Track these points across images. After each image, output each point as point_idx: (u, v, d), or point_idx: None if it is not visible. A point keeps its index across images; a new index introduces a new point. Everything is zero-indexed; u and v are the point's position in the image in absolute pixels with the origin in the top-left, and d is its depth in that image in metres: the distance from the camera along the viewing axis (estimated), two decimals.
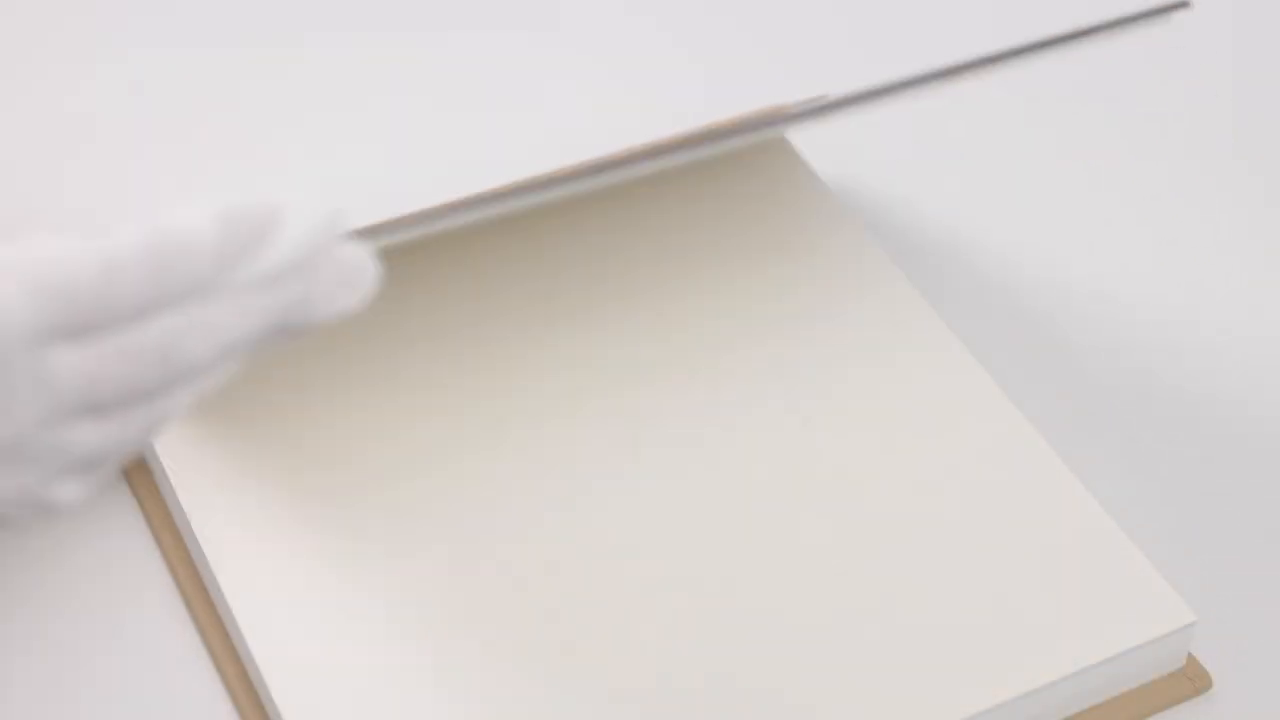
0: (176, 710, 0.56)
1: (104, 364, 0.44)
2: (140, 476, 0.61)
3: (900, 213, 0.71)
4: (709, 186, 0.67)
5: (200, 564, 0.58)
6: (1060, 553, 0.57)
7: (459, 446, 0.60)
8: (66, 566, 0.59)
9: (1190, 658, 0.58)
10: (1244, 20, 0.79)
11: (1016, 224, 0.71)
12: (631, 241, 0.66)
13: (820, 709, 0.54)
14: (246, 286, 0.45)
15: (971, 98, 0.75)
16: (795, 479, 0.59)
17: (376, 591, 0.56)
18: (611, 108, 0.70)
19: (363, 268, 0.47)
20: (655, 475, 0.59)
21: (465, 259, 0.65)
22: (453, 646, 0.55)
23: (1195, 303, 0.68)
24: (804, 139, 0.71)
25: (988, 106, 0.75)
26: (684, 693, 0.54)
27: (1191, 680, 0.57)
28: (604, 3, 0.75)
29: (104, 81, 0.69)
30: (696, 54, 0.74)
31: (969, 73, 0.54)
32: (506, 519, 0.58)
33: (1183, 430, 0.64)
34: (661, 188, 0.67)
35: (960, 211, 0.71)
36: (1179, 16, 0.78)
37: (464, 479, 0.59)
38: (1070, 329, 0.67)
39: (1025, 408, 0.63)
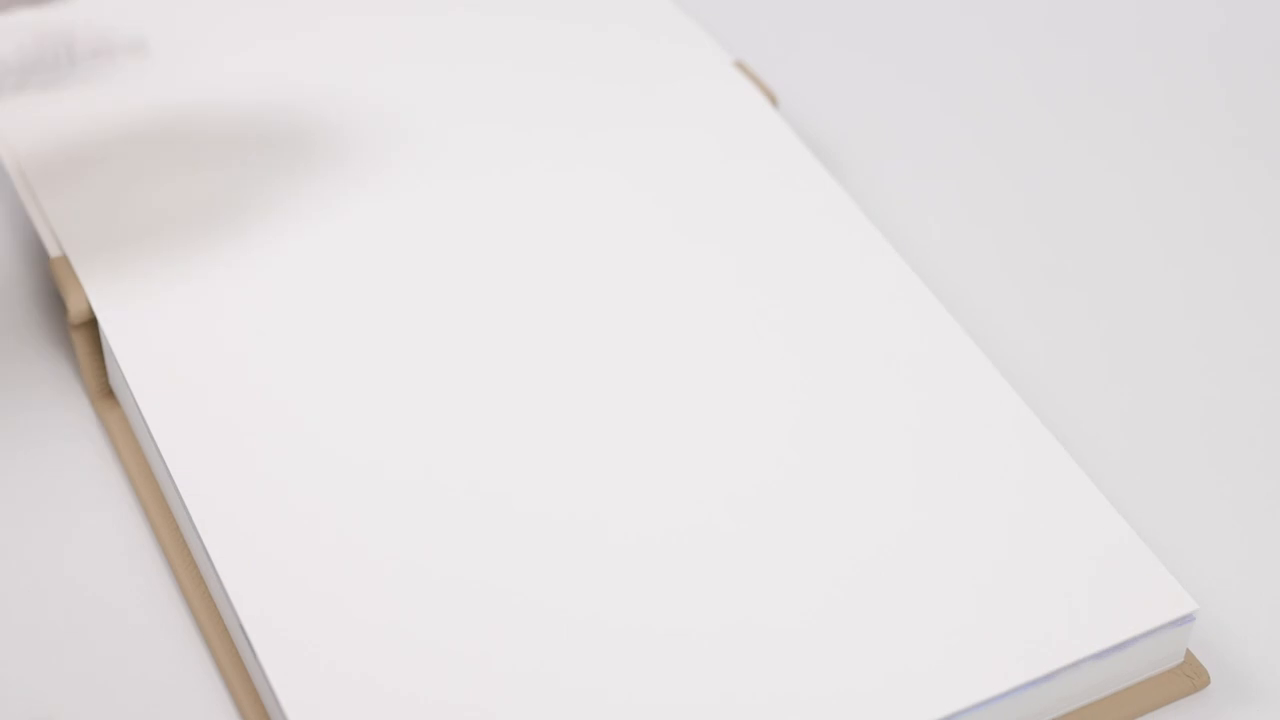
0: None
1: None
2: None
3: (894, 195, 0.71)
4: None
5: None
6: (1061, 545, 0.58)
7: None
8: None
9: (1189, 654, 0.58)
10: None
11: (1015, 211, 0.71)
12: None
13: (815, 701, 0.54)
14: None
15: (974, 86, 0.76)
16: (790, 469, 0.59)
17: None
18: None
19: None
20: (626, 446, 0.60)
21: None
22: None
23: (1198, 292, 0.69)
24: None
25: (990, 90, 0.75)
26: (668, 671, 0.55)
27: (1190, 677, 0.57)
28: None
29: None
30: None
31: None
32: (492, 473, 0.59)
33: (1183, 426, 0.65)
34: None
35: (960, 196, 0.72)
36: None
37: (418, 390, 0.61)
38: (1073, 319, 0.68)
39: (1026, 402, 0.63)
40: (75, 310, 0.62)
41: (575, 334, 0.63)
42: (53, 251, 0.64)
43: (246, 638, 0.55)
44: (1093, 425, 0.64)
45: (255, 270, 0.64)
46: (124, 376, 0.61)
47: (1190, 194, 0.73)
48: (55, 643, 0.58)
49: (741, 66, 0.73)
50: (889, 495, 0.59)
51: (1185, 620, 0.56)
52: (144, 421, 0.60)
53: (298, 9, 0.74)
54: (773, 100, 0.72)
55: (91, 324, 0.63)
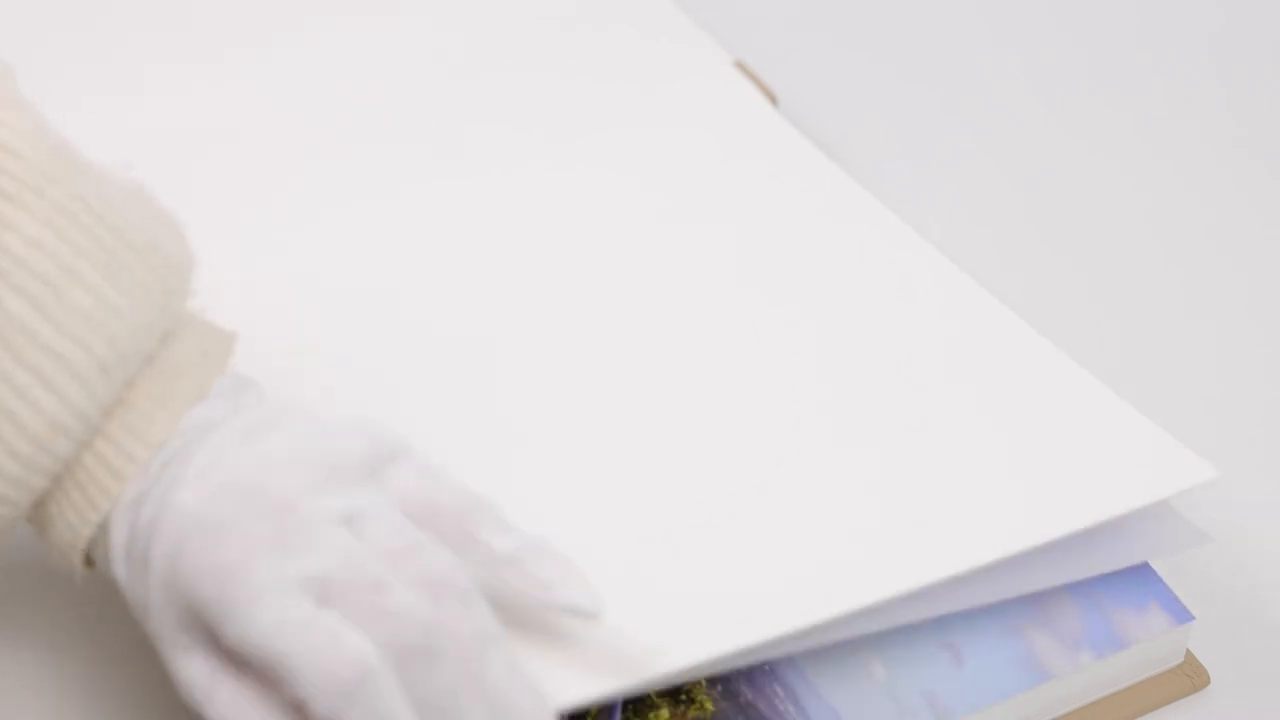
0: None
1: None
2: None
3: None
4: None
5: None
6: (1054, 421, 0.58)
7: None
8: None
9: (1188, 654, 0.58)
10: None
11: (1015, 211, 0.71)
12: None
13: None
14: None
15: (975, 86, 0.76)
16: (763, 368, 0.60)
17: None
18: None
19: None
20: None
21: None
22: None
23: (1198, 292, 0.69)
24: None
25: (991, 90, 0.75)
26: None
27: (1189, 677, 0.58)
28: None
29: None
30: None
31: None
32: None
33: (1183, 425, 0.65)
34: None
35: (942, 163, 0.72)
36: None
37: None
38: (1073, 320, 0.68)
39: None
40: None
41: (577, 334, 0.63)
42: None
43: None
44: None
45: (253, 271, 0.64)
46: None
47: (1190, 194, 0.73)
48: (54, 643, 0.58)
49: (741, 66, 0.73)
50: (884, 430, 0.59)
51: (1184, 621, 0.56)
52: None
53: (299, 9, 0.74)
54: (773, 100, 0.72)
55: None
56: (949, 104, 0.76)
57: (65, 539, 0.50)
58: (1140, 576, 0.57)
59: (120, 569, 0.49)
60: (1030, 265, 0.70)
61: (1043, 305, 0.68)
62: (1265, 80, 0.77)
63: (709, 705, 0.54)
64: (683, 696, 0.54)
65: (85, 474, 0.48)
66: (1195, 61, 0.78)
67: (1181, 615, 0.57)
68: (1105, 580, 0.57)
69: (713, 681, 0.54)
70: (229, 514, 0.47)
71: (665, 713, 0.54)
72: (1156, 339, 0.67)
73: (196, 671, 0.47)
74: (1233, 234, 0.71)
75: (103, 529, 0.49)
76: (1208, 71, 0.77)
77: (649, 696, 0.54)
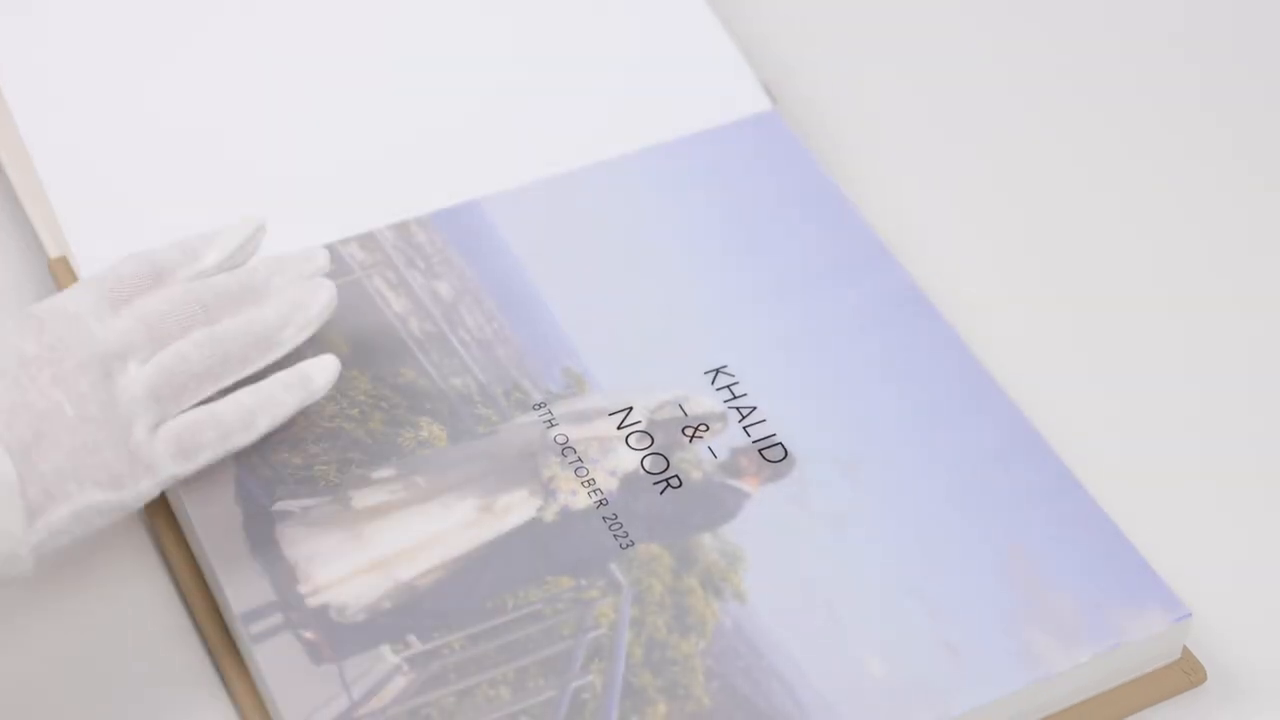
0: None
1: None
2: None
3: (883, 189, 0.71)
4: None
5: None
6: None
7: None
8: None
9: (1185, 650, 0.58)
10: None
11: (1013, 212, 0.71)
12: None
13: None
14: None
15: (975, 87, 0.76)
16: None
17: None
18: None
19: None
20: None
21: None
22: None
23: (1190, 291, 0.69)
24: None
25: (991, 92, 0.76)
26: None
27: (1186, 673, 0.58)
28: None
29: None
30: None
31: None
32: None
33: (1178, 425, 0.65)
34: None
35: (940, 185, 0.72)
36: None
37: None
38: (1069, 324, 0.68)
39: (1021, 407, 0.63)
40: None
41: None
42: (52, 252, 0.65)
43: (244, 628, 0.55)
44: (1088, 429, 0.64)
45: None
46: None
47: (1187, 200, 0.73)
48: (54, 639, 0.58)
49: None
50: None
51: (1181, 617, 0.57)
52: None
53: None
54: (773, 100, 0.71)
55: None
56: (949, 105, 0.76)
57: None
58: (1138, 574, 0.57)
59: None
60: (1028, 268, 0.70)
61: (1038, 310, 0.69)
62: (1265, 82, 0.77)
63: (706, 700, 0.54)
64: (680, 692, 0.54)
65: None
66: (1197, 68, 0.78)
67: (1179, 612, 0.57)
68: (1104, 578, 0.57)
69: (710, 677, 0.55)
70: None
71: (663, 708, 0.54)
72: (1152, 345, 0.67)
73: None
74: (1228, 238, 0.71)
75: None
76: (1206, 75, 0.77)
77: (647, 692, 0.54)
